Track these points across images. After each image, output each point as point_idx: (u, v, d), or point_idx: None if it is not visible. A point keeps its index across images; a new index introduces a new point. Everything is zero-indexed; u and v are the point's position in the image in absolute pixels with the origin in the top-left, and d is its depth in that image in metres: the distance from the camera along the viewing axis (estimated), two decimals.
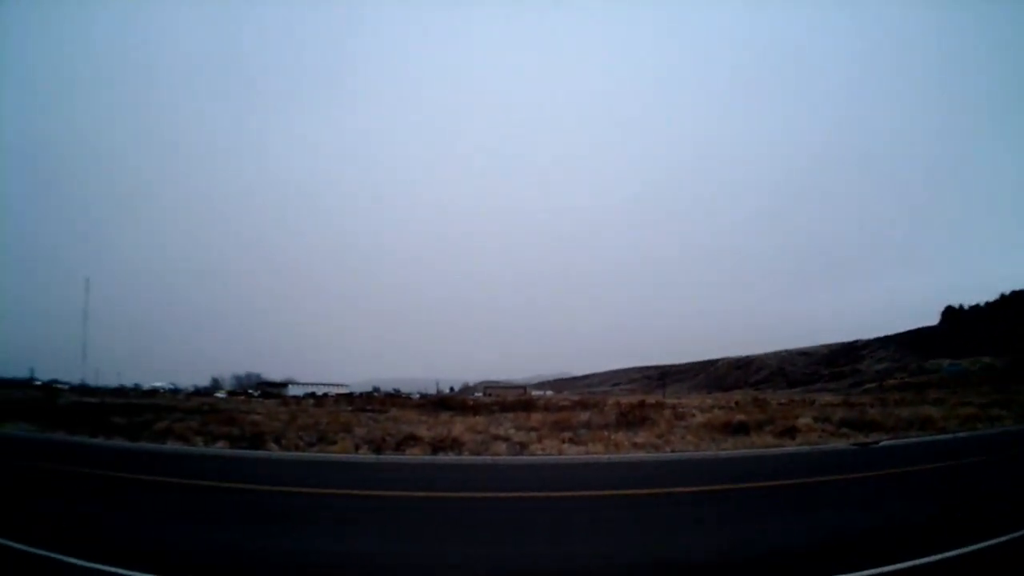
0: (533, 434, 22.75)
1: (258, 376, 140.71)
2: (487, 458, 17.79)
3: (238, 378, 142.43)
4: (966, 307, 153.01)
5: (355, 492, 12.04)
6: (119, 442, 21.73)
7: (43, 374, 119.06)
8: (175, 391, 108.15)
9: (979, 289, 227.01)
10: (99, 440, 22.32)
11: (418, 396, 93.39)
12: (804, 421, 25.08)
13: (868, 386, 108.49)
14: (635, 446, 20.00)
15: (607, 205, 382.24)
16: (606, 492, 11.95)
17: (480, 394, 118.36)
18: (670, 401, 50.60)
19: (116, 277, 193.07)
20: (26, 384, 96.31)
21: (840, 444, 20.58)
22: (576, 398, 71.71)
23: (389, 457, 17.89)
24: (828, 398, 52.62)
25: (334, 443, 20.21)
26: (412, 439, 20.51)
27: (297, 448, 19.74)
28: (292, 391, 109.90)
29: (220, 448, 19.95)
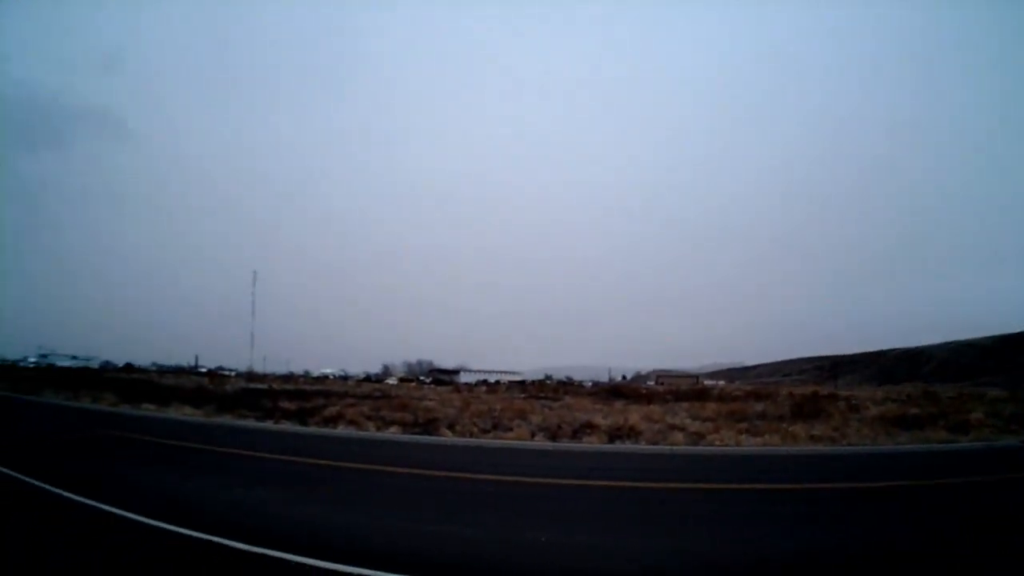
0: (709, 424, 22.19)
1: (430, 363, 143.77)
2: (665, 448, 17.26)
3: (409, 365, 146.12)
4: None
5: (543, 480, 11.66)
6: (288, 426, 22.31)
7: (211, 362, 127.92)
8: (344, 378, 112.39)
9: None
10: (267, 424, 22.98)
11: (590, 384, 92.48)
12: (976, 416, 23.77)
13: None
14: (812, 438, 19.05)
15: (768, 195, 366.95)
16: (822, 485, 11.49)
17: (652, 382, 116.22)
18: (842, 393, 48.06)
19: (287, 268, 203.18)
20: (191, 371, 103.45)
21: (1012, 441, 19.41)
22: (748, 388, 69.64)
23: (565, 445, 17.51)
24: (995, 392, 48.48)
25: (509, 430, 20.18)
26: (588, 427, 20.25)
27: (471, 434, 19.72)
28: (464, 378, 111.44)
29: (392, 434, 20.09)
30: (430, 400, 34.56)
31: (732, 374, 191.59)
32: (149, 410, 27.67)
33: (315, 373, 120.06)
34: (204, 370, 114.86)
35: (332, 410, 24.99)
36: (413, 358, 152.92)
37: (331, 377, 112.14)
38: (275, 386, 54.41)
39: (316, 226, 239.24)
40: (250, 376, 75.70)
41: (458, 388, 68.59)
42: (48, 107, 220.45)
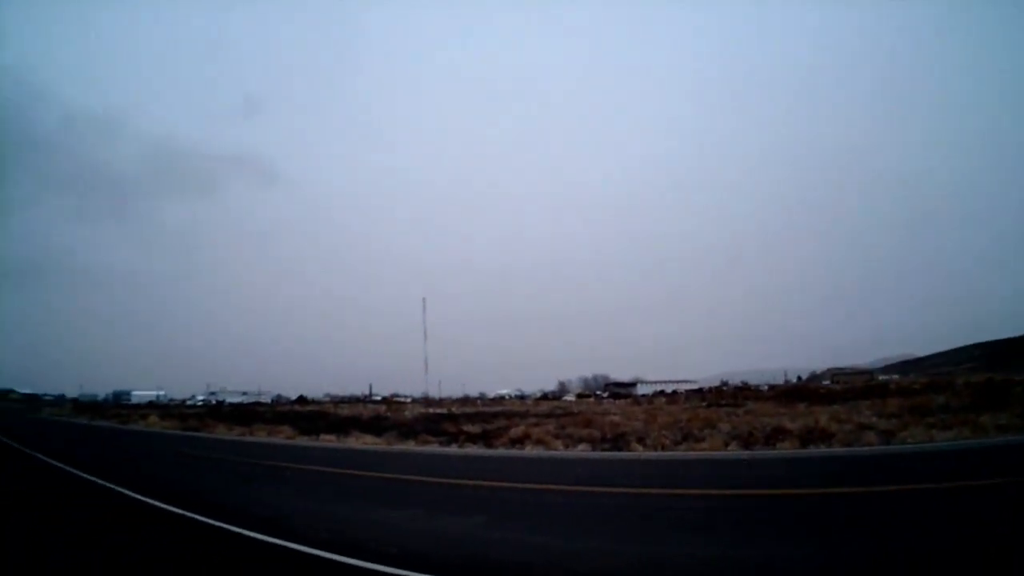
0: (895, 420, 21.57)
1: (605, 377, 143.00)
2: (862, 448, 16.59)
3: (585, 380, 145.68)
4: None
5: (781, 492, 10.78)
6: (473, 450, 21.95)
7: (385, 390, 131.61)
8: (521, 397, 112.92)
9: None
10: (452, 449, 22.58)
11: (766, 388, 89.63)
12: None
13: None
14: (999, 428, 18.44)
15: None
16: None
17: (828, 382, 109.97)
18: (1016, 378, 42.71)
19: (457, 291, 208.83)
20: (366, 400, 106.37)
21: None
22: (925, 380, 64.57)
23: (761, 452, 17.09)
24: None
25: (701, 440, 19.60)
26: (780, 432, 19.72)
27: (663, 447, 19.18)
28: (640, 390, 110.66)
29: (583, 451, 19.63)
30: (613, 415, 34.10)
31: (905, 367, 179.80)
32: (328, 441, 27.67)
33: (491, 395, 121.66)
34: (379, 398, 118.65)
35: (517, 431, 24.47)
36: (588, 373, 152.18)
37: (508, 398, 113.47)
38: (454, 410, 54.98)
39: (484, 248, 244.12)
40: (427, 401, 77.24)
41: (637, 400, 67.29)
42: (193, 155, 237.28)
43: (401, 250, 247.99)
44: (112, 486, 13.35)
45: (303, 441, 28.68)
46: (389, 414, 48.37)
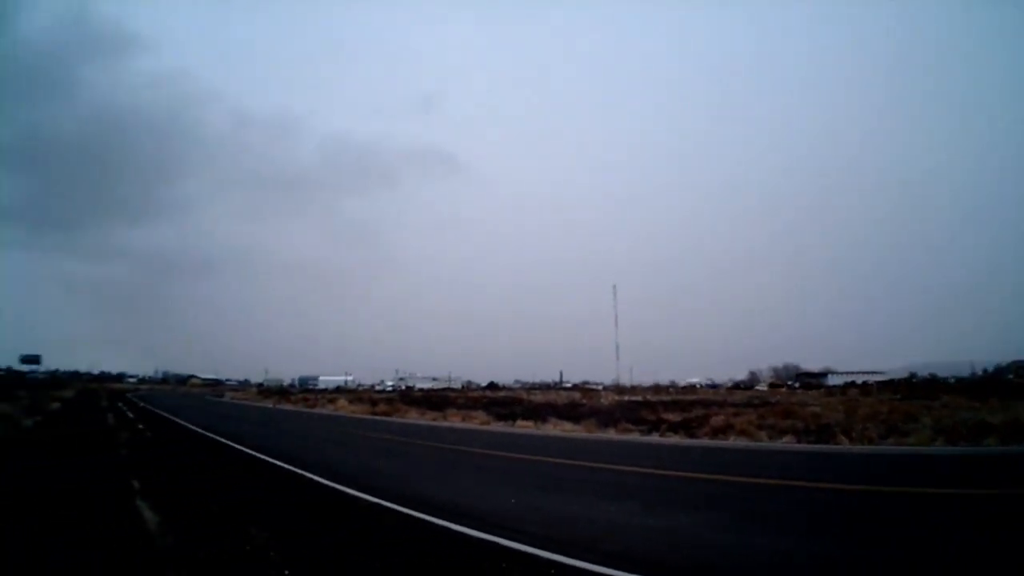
0: None
1: (795, 367, 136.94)
2: None
3: (775, 370, 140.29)
4: None
5: None
6: (675, 439, 21.56)
7: (575, 377, 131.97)
8: (712, 386, 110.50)
9: None
10: (653, 438, 22.24)
11: (953, 380, 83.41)
12: None
13: None
14: None
15: None
16: None
17: (1011, 376, 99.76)
18: None
19: (647, 278, 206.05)
20: (557, 387, 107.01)
21: None
22: None
23: (972, 449, 16.38)
24: None
25: (906, 434, 18.84)
26: (982, 427, 18.68)
27: (870, 440, 18.49)
28: (831, 380, 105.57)
29: (787, 443, 19.25)
30: (812, 406, 33.14)
31: None
32: (525, 428, 27.84)
33: (681, 383, 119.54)
34: (568, 385, 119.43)
35: (718, 420, 24.10)
36: (777, 362, 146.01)
37: (699, 386, 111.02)
38: (649, 397, 54.06)
39: (671, 234, 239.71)
40: (618, 389, 76.56)
41: (829, 391, 63.58)
42: (373, 150, 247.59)
43: (591, 237, 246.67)
44: (316, 477, 12.77)
45: (498, 427, 29.03)
46: (584, 401, 48.35)
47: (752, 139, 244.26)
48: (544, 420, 29.53)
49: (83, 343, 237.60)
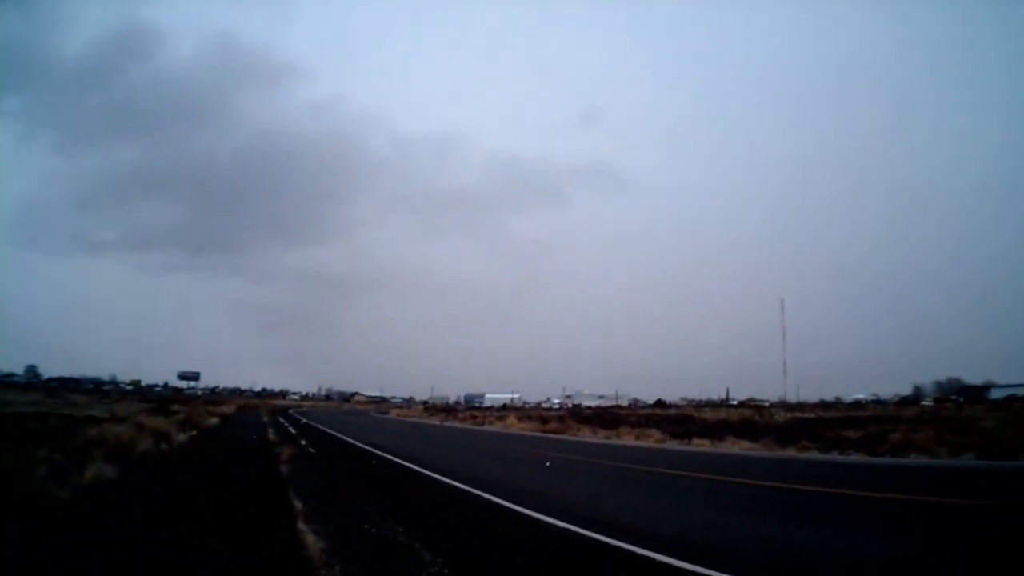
0: None
1: (957, 380, 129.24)
2: None
3: (938, 384, 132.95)
4: None
5: None
6: (857, 458, 21.70)
7: (740, 394, 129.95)
8: (878, 401, 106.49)
9: None
10: (833, 456, 22.64)
11: None
12: None
13: None
14: None
15: None
16: None
17: None
18: None
19: (816, 292, 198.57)
20: (723, 404, 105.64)
21: None
22: None
23: None
24: None
25: None
26: None
27: None
28: (994, 394, 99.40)
29: (968, 459, 19.37)
30: (983, 420, 32.07)
31: None
32: (702, 446, 28.34)
33: (846, 399, 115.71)
34: (735, 402, 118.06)
35: (896, 437, 23.95)
36: (940, 375, 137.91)
37: (863, 402, 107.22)
38: (821, 414, 53.31)
39: (843, 245, 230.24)
40: (786, 406, 75.44)
41: (994, 405, 60.83)
42: (535, 168, 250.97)
43: (755, 251, 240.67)
44: (494, 498, 12.43)
45: (673, 445, 29.29)
46: (758, 419, 47.76)
47: (926, 140, 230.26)
48: (721, 438, 29.63)
49: (244, 361, 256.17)
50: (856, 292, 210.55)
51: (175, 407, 49.07)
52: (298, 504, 11.28)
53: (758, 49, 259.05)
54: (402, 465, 20.03)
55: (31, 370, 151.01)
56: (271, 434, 32.65)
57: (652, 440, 32.26)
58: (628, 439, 33.98)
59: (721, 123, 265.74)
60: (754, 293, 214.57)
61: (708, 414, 60.34)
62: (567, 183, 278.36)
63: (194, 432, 28.95)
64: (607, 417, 54.62)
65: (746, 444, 27.46)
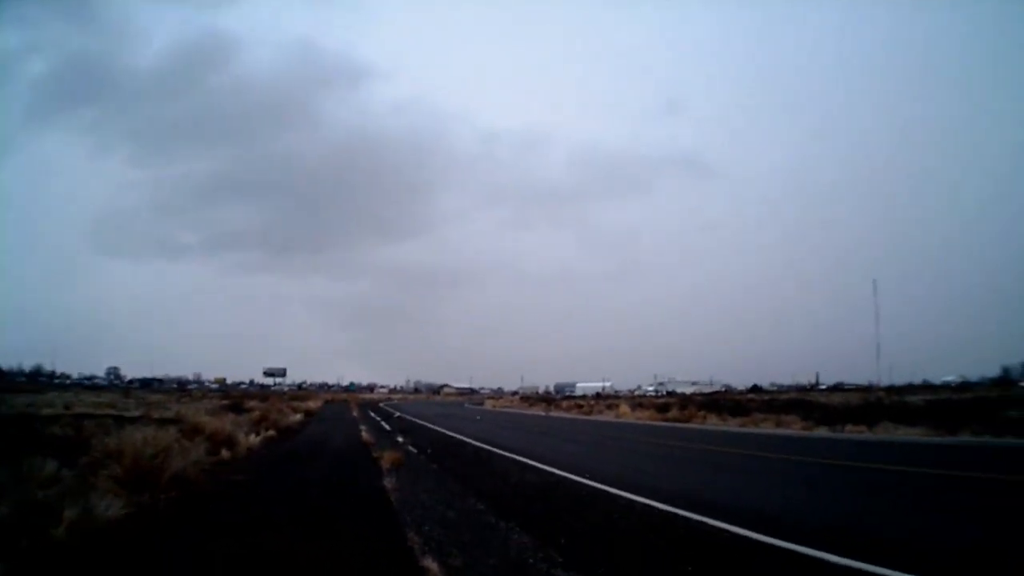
0: None
1: None
2: None
3: None
4: None
5: None
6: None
7: (828, 379, 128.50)
8: (968, 383, 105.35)
9: None
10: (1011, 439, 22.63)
11: None
12: None
13: None
14: None
15: None
16: None
17: None
18: None
19: (912, 272, 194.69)
20: (813, 388, 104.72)
21: None
22: None
23: None
24: None
25: None
26: None
27: None
28: None
29: None
30: None
31: None
32: (861, 432, 28.24)
33: (935, 381, 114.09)
34: (824, 387, 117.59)
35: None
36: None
37: (953, 384, 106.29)
38: (951, 396, 53.73)
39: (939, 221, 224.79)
40: (887, 389, 74.65)
41: None
42: (621, 158, 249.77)
43: (847, 231, 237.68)
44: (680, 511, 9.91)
45: (826, 433, 29.11)
46: (884, 401, 47.86)
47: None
48: (875, 423, 29.27)
49: (331, 357, 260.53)
50: (940, 272, 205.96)
51: (253, 403, 46.34)
52: (431, 563, 6.83)
53: (849, 29, 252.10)
54: (546, 472, 15.56)
55: (112, 372, 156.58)
56: (364, 432, 27.83)
57: (798, 427, 31.83)
58: (768, 427, 33.55)
59: (812, 107, 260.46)
60: (843, 277, 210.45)
61: (822, 398, 59.42)
62: (652, 171, 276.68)
63: (271, 433, 25.06)
64: (725, 403, 53.10)
65: (908, 430, 27.14)
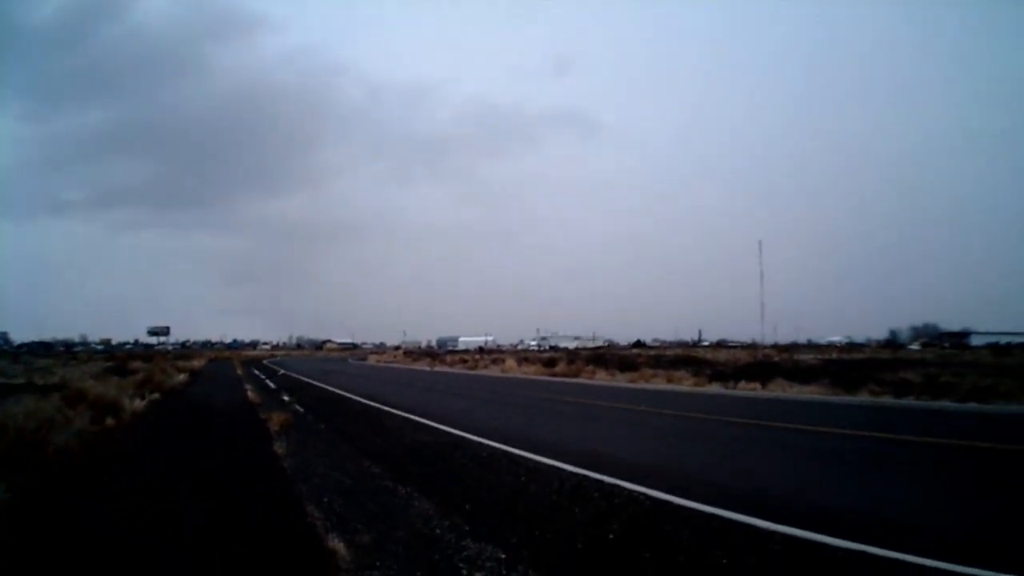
0: None
1: (934, 326, 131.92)
2: None
3: (915, 329, 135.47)
4: None
5: None
6: (951, 404, 20.62)
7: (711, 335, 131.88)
8: (853, 344, 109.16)
9: None
10: (929, 403, 21.37)
11: None
12: None
13: None
14: None
15: None
16: None
17: None
18: None
19: (791, 238, 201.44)
20: (696, 345, 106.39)
21: None
22: None
23: None
24: None
25: None
26: None
27: None
28: (973, 341, 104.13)
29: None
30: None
31: None
32: (754, 390, 26.77)
33: (820, 341, 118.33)
34: (706, 343, 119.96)
35: (965, 382, 24.26)
36: (918, 321, 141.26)
37: (838, 344, 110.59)
38: (841, 356, 54.11)
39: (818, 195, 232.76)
40: (756, 346, 76.31)
41: (997, 351, 63.84)
42: (507, 114, 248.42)
43: (733, 193, 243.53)
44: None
45: (719, 389, 27.73)
46: (777, 360, 48.41)
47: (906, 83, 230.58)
48: (767, 381, 27.62)
49: (214, 314, 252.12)
50: (828, 236, 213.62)
51: (137, 364, 46.40)
52: (337, 543, 6.11)
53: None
54: (439, 431, 14.69)
55: (1, 337, 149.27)
56: (250, 392, 27.23)
57: (689, 383, 30.48)
58: (659, 383, 32.06)
59: (706, 66, 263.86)
60: (726, 237, 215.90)
61: (708, 355, 59.90)
62: (540, 128, 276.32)
63: (155, 395, 23.90)
64: (611, 358, 52.79)
65: (800, 388, 25.95)
